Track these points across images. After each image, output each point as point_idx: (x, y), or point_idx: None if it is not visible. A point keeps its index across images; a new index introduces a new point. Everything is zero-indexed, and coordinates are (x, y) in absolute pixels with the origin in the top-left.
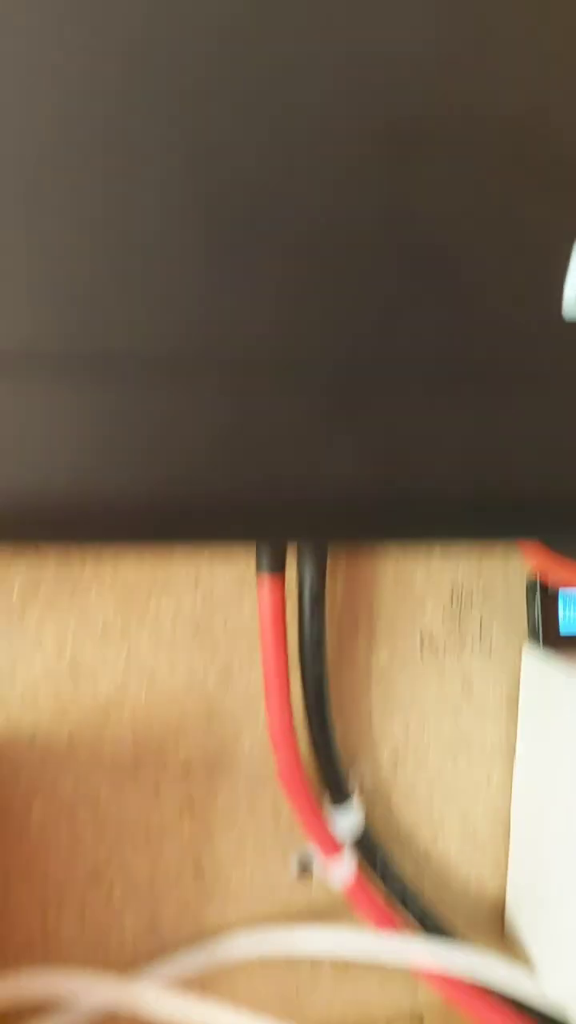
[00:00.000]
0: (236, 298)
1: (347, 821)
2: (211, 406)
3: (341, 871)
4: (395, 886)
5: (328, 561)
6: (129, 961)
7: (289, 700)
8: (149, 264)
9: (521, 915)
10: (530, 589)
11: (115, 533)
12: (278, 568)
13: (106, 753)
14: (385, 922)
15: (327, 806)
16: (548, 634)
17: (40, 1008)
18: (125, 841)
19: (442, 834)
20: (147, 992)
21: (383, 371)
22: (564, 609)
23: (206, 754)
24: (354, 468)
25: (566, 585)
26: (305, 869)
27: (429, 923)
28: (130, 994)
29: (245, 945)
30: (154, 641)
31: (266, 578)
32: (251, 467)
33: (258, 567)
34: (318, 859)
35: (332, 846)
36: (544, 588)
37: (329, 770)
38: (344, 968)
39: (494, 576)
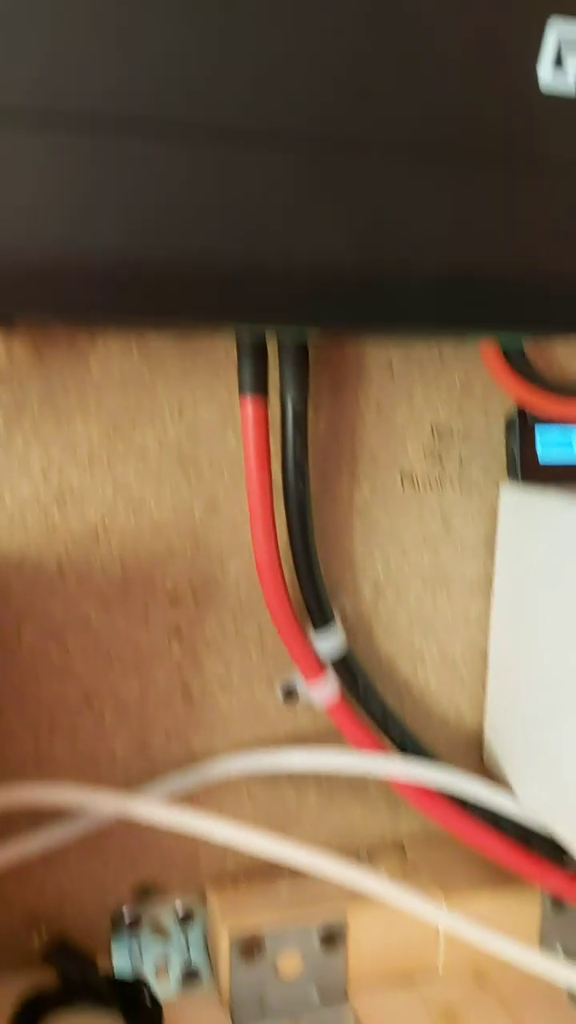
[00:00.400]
0: (217, 60)
1: (329, 643)
2: (190, 170)
3: (324, 691)
4: (376, 709)
5: (310, 385)
6: (120, 784)
7: (273, 521)
8: (132, 22)
9: (499, 743)
10: (509, 425)
11: (91, 301)
12: (260, 389)
13: (95, 579)
14: (368, 743)
15: (310, 630)
16: (526, 466)
17: (37, 821)
18: (115, 666)
19: (422, 667)
20: (146, 805)
21: (362, 143)
22: (542, 441)
23: (193, 583)
24: (332, 240)
25: (544, 416)
26: (290, 694)
27: (410, 746)
28: (129, 806)
29: (233, 765)
30: (140, 471)
31: (249, 398)
32: (230, 233)
33: (241, 388)
34: (302, 682)
35: (315, 668)
36: (523, 421)
37: (312, 594)
38: (328, 797)
39: (474, 415)
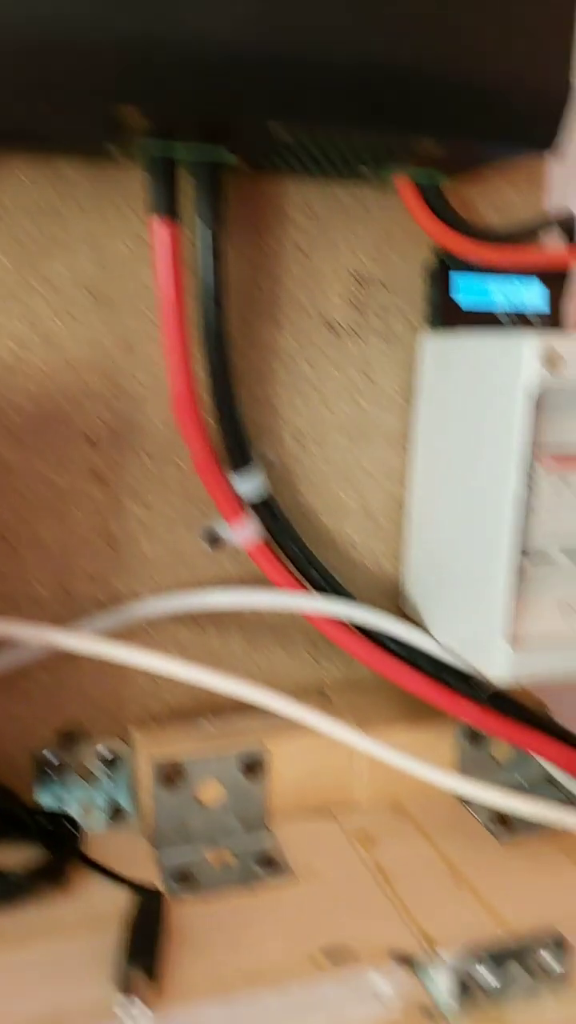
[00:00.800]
0: None
1: (249, 485)
2: None
3: (245, 533)
4: (297, 553)
5: (224, 210)
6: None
7: (188, 351)
8: None
9: (416, 589)
10: (429, 272)
11: None
12: (171, 210)
13: (8, 416)
14: (289, 584)
15: (231, 473)
16: (446, 314)
17: None
18: (33, 507)
19: (343, 518)
20: (73, 638)
21: None
22: (461, 288)
23: (111, 424)
24: (239, 18)
25: (464, 261)
26: (214, 540)
27: (331, 589)
28: (56, 638)
29: (157, 605)
30: (52, 305)
31: (160, 220)
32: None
33: (151, 209)
34: (225, 527)
35: (235, 509)
36: (443, 269)
37: (231, 433)
38: (252, 643)
39: (396, 265)
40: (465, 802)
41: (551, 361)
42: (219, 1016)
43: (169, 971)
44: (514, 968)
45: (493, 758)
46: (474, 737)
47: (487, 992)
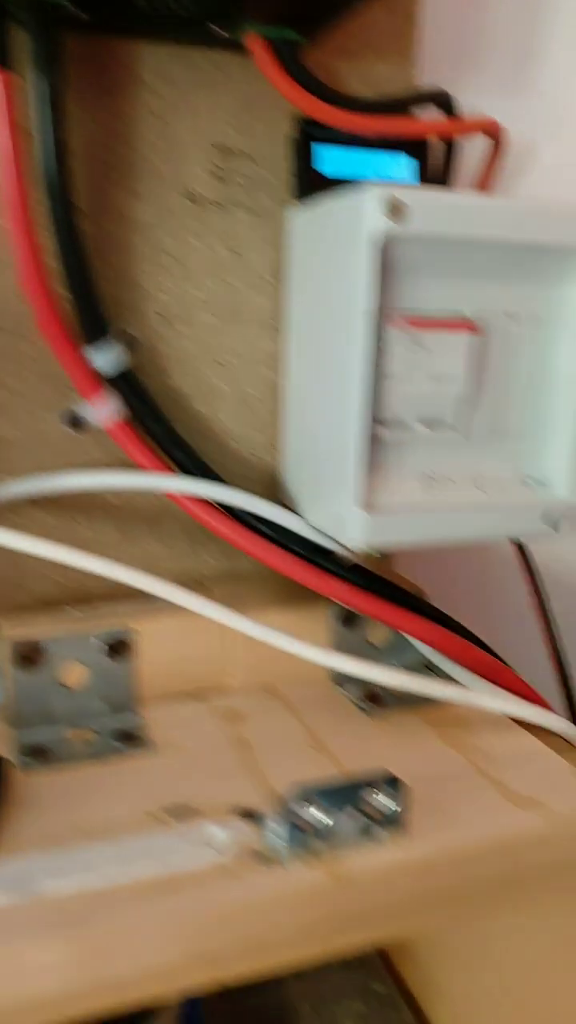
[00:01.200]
0: None
1: (106, 358)
2: None
3: (104, 411)
4: (163, 434)
5: (60, 59)
6: None
7: (30, 216)
8: None
9: (292, 477)
10: (292, 142)
11: None
12: (2, 57)
13: None
14: (156, 466)
15: (86, 347)
16: (311, 184)
17: None
18: None
19: (217, 404)
20: None
21: None
22: (326, 158)
23: None
24: None
25: (326, 127)
26: (76, 423)
27: (200, 472)
28: None
29: (13, 488)
30: None
31: None
32: None
33: None
34: (88, 408)
35: (92, 384)
36: (306, 138)
37: (83, 302)
38: (125, 533)
39: (261, 137)
40: (339, 684)
41: (395, 210)
42: (46, 865)
43: (4, 830)
44: (348, 809)
45: (369, 643)
46: (348, 620)
47: (320, 833)
